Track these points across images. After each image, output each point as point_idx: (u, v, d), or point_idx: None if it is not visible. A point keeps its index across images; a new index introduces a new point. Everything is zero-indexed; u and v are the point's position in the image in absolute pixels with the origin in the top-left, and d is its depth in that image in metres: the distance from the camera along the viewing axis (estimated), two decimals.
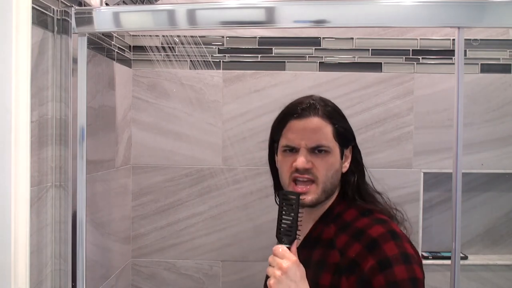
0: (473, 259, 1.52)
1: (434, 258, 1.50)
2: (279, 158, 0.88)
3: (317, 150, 0.83)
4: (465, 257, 1.51)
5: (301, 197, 0.79)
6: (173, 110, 1.51)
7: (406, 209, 1.46)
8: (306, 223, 0.88)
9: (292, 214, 0.78)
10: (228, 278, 1.52)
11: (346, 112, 1.46)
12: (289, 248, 0.77)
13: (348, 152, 0.88)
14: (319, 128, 0.83)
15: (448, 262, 1.48)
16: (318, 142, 0.82)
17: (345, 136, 0.86)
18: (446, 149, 1.49)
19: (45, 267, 0.91)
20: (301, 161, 0.81)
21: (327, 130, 0.83)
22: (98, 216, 1.20)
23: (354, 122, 1.47)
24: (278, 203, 0.83)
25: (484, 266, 1.51)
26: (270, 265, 0.78)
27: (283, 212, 0.79)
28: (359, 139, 1.46)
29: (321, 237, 0.85)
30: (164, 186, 1.52)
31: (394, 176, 1.50)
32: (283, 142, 0.86)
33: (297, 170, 0.82)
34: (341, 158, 0.86)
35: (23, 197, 0.79)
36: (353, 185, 0.87)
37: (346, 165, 0.87)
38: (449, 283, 0.91)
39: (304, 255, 0.82)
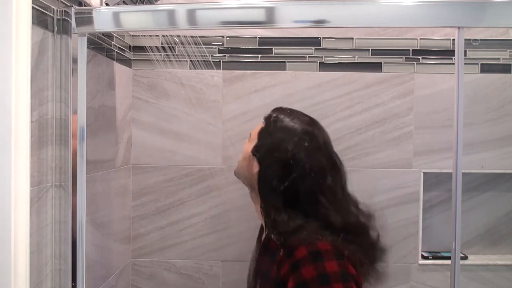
0: (473, 259, 1.52)
1: (434, 258, 1.50)
2: None
3: None
4: (465, 257, 1.51)
5: None
6: (173, 110, 1.51)
7: (406, 209, 1.50)
8: None
9: None
10: (228, 278, 1.52)
11: (346, 112, 1.49)
12: None
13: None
14: None
15: (448, 262, 1.48)
16: None
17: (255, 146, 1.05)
18: (446, 149, 1.49)
19: (45, 267, 0.91)
20: None
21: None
22: (98, 216, 1.20)
23: (354, 122, 1.50)
24: None
25: (484, 266, 1.51)
26: None
27: None
28: (359, 139, 1.49)
29: (269, 245, 0.95)
30: (164, 186, 1.52)
31: (394, 176, 1.50)
32: None
33: None
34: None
35: (23, 197, 0.79)
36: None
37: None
38: (449, 283, 0.91)
39: (258, 261, 0.98)
